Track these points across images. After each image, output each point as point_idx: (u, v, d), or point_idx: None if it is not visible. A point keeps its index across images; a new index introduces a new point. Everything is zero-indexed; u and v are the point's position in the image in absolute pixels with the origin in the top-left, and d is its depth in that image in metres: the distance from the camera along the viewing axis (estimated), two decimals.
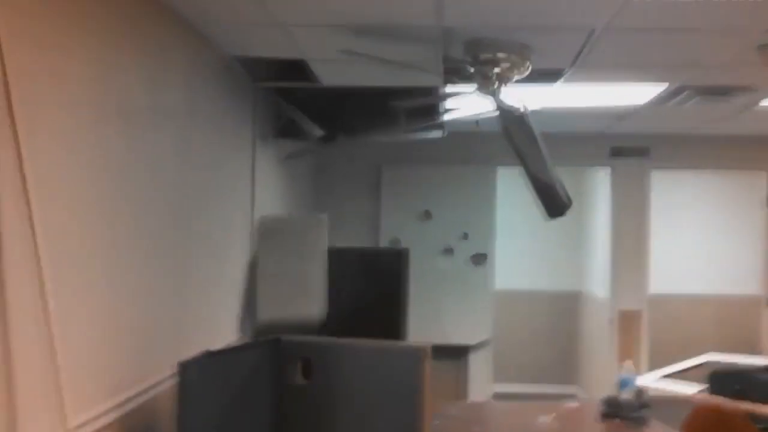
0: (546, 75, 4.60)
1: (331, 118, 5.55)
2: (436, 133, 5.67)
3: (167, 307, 3.43)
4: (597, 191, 8.63)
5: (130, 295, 2.99)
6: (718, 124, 6.65)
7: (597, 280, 8.65)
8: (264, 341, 3.52)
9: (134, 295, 3.04)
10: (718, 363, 6.70)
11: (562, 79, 4.72)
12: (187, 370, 2.83)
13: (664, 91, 5.11)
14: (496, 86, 3.98)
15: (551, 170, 3.94)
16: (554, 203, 3.98)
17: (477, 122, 5.28)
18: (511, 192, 8.09)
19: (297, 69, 4.69)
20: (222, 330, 4.37)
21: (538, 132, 4.00)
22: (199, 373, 2.92)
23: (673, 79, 4.76)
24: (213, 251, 4.17)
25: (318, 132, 5.60)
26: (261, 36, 3.91)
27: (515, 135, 3.95)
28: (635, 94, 5.32)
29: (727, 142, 7.48)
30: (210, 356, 3.02)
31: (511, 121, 3.97)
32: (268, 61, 4.75)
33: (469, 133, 7.26)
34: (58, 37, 2.41)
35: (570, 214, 4.02)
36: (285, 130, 5.68)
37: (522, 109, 3.99)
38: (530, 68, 4.02)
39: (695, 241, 9.39)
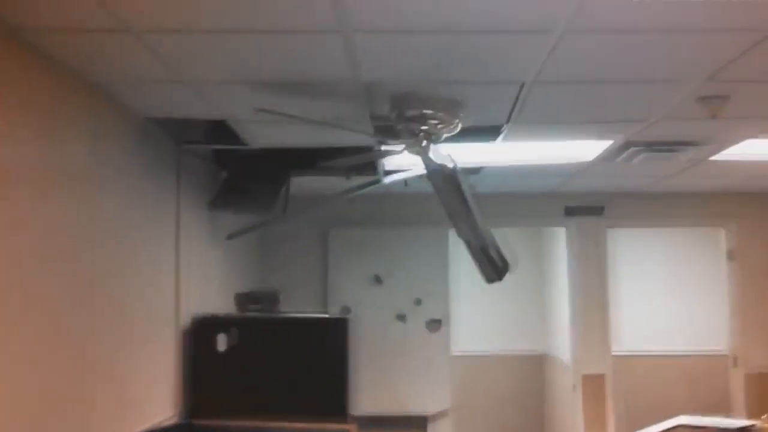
0: (483, 131, 4.39)
1: (273, 180, 5.29)
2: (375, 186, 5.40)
3: (70, 388, 3.10)
4: (556, 249, 8.41)
5: (18, 377, 2.67)
6: (671, 180, 6.48)
7: (560, 343, 8.36)
8: (173, 427, 3.19)
9: (23, 377, 2.71)
10: (690, 426, 6.39)
11: (501, 136, 4.51)
12: None
13: (610, 147, 4.92)
14: (424, 144, 3.75)
15: (484, 232, 3.69)
16: (492, 267, 3.72)
17: (405, 183, 5.04)
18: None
19: (227, 129, 4.45)
20: (151, 409, 4.02)
21: (470, 192, 3.75)
22: None
23: (616, 134, 4.58)
24: (131, 327, 3.84)
25: (264, 201, 5.29)
26: (173, 96, 3.66)
27: (445, 194, 3.71)
28: (582, 150, 5.13)
29: (683, 199, 7.33)
30: None
31: (441, 180, 3.73)
32: (195, 122, 4.50)
33: (417, 194, 7.04)
34: None
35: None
36: (222, 198, 5.37)
37: (451, 167, 3.75)
38: (460, 125, 3.80)
39: (659, 298, 9.17)
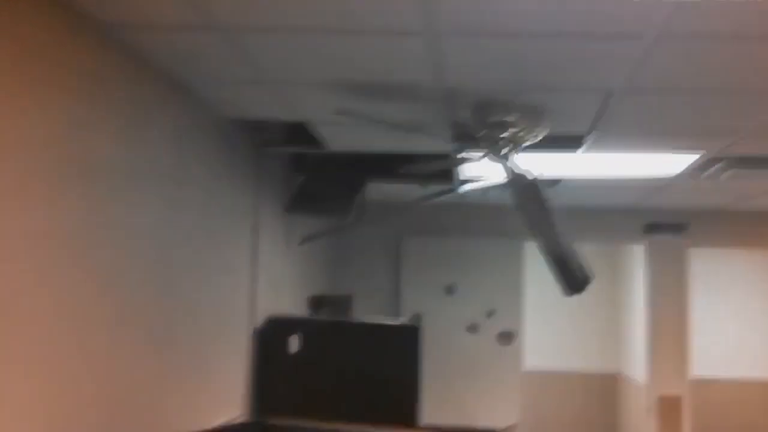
0: (565, 141, 4.29)
1: (350, 186, 5.28)
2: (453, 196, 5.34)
3: (143, 385, 3.13)
4: (634, 266, 8.19)
5: (96, 373, 2.70)
6: (757, 200, 6.23)
7: (635, 362, 8.13)
8: (246, 424, 3.20)
9: (101, 373, 2.75)
10: None
11: (584, 146, 4.40)
12: None
13: (696, 161, 4.75)
14: (506, 151, 3.68)
15: (565, 243, 3.59)
16: (572, 279, 3.62)
17: (484, 192, 4.96)
18: (542, 266, 7.70)
19: (305, 133, 4.47)
20: (221, 408, 4.04)
21: (551, 202, 3.67)
22: None
23: (707, 147, 4.41)
24: (205, 327, 3.88)
25: (339, 206, 5.29)
26: (255, 97, 3.68)
27: (527, 205, 3.63)
28: (666, 164, 4.96)
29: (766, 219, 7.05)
30: None
31: (522, 189, 3.65)
32: (274, 125, 4.53)
33: (494, 205, 6.96)
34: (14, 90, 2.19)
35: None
36: (298, 202, 5.39)
37: (533, 176, 3.67)
38: (543, 133, 3.72)
39: (741, 322, 8.83)
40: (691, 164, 4.86)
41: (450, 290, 7.18)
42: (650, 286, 7.29)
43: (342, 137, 4.45)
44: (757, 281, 8.85)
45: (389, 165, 5.29)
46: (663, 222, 7.16)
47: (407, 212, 6.78)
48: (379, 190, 6.06)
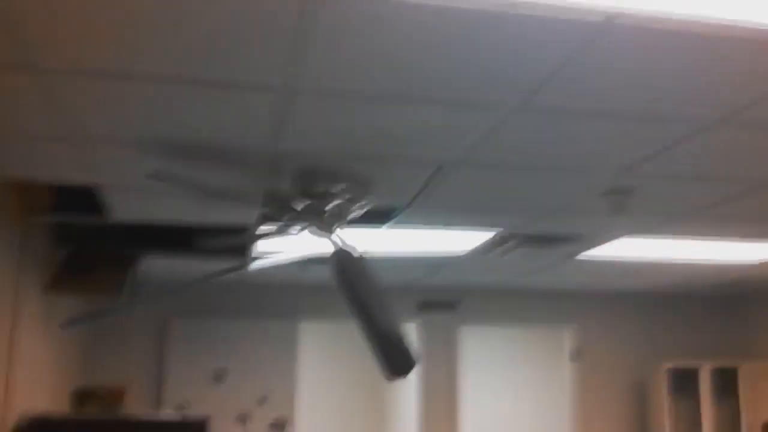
0: (375, 216, 4.11)
1: (121, 261, 4.68)
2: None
3: None
4: None
5: None
6: (529, 277, 6.50)
7: None
8: None
9: None
10: None
11: (392, 221, 4.25)
12: None
13: (491, 238, 4.80)
14: (330, 224, 3.40)
15: (394, 322, 3.34)
16: (398, 361, 3.37)
17: (302, 267, 4.64)
18: (318, 348, 7.43)
19: (76, 198, 3.88)
20: None
21: (378, 279, 3.43)
22: None
23: (507, 223, 4.45)
24: None
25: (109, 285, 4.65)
26: (47, 153, 3.08)
27: (354, 281, 3.35)
28: (459, 241, 4.97)
29: (534, 297, 7.39)
30: None
31: (349, 264, 3.37)
32: (41, 188, 3.89)
33: (268, 284, 6.62)
34: None
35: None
36: (61, 279, 4.66)
37: (358, 252, 3.42)
38: (368, 206, 3.51)
39: (512, 395, 9.05)
40: (485, 241, 4.91)
41: (219, 376, 6.63)
42: (423, 363, 7.26)
43: (132, 205, 3.91)
44: (527, 355, 9.14)
45: (169, 238, 4.79)
46: (435, 300, 7.23)
47: (183, 291, 6.18)
48: (152, 266, 5.47)
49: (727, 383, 6.91)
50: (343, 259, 3.42)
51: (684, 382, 7.14)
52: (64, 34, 2.00)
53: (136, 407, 6.12)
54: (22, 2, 1.83)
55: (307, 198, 3.39)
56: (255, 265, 4.77)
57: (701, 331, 7.71)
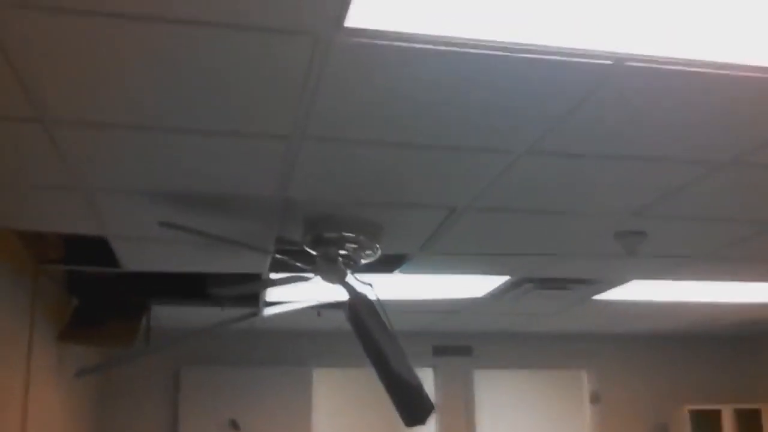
0: (386, 263, 4.09)
1: (133, 310, 4.67)
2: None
3: None
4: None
5: None
6: (544, 321, 6.44)
7: None
8: None
9: None
10: None
11: (402, 267, 4.23)
12: None
13: (505, 282, 4.76)
14: (342, 270, 3.39)
15: (410, 368, 3.30)
16: (418, 407, 3.31)
17: (318, 313, 4.62)
18: (333, 394, 7.34)
19: (87, 248, 3.89)
20: None
21: (392, 325, 3.40)
22: None
23: (519, 270, 4.42)
24: None
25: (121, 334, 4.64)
26: (57, 205, 3.09)
27: (369, 326, 3.31)
28: (473, 286, 4.93)
29: (549, 341, 7.29)
30: None
31: (363, 310, 3.35)
32: (54, 238, 3.90)
33: (281, 331, 6.59)
34: None
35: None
36: (73, 329, 4.65)
37: (372, 297, 3.40)
38: (379, 252, 3.49)
39: None
40: (499, 286, 4.87)
41: (234, 425, 6.56)
42: (439, 408, 7.17)
43: (142, 255, 3.91)
44: (545, 398, 8.97)
45: (181, 286, 4.79)
46: (450, 344, 7.17)
47: (195, 339, 6.14)
48: (164, 314, 5.46)
49: (750, 425, 6.77)
50: (357, 305, 3.40)
51: (706, 425, 7.00)
52: (72, 87, 2.02)
53: None
54: (30, 57, 1.85)
55: (318, 245, 3.39)
56: (268, 312, 4.74)
57: (722, 372, 7.58)
